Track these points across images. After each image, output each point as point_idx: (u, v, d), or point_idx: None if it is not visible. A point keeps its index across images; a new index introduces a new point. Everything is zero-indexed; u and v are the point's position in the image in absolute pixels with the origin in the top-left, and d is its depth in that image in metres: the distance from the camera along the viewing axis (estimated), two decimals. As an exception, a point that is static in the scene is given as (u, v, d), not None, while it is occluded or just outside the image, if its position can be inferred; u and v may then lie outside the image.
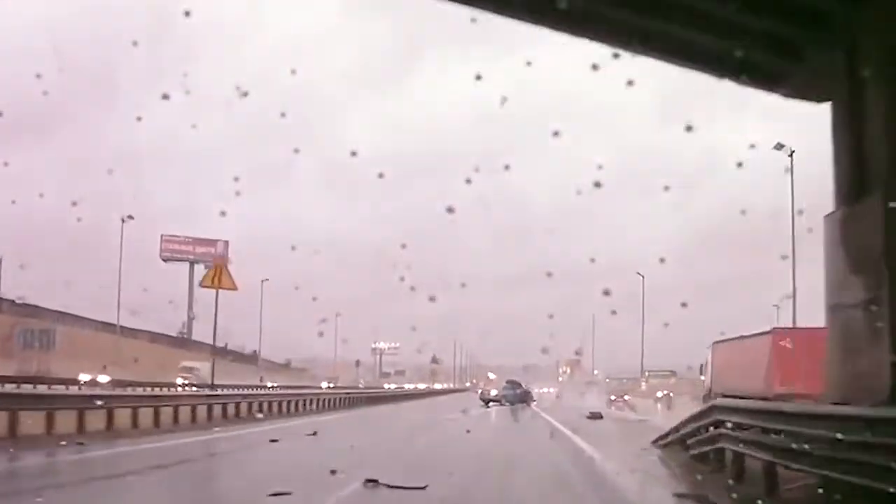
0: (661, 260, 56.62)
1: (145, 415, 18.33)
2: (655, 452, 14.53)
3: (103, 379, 32.03)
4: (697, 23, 9.07)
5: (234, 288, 25.67)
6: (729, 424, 10.01)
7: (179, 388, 35.16)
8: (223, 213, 57.16)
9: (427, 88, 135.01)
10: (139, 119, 71.36)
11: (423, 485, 8.66)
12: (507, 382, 51.81)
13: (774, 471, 8.19)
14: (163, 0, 54.28)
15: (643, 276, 56.49)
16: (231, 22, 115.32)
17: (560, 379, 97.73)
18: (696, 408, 26.68)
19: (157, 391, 27.44)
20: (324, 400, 36.41)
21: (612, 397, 55.17)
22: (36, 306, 48.90)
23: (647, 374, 72.43)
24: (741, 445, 9.33)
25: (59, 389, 23.94)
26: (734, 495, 8.82)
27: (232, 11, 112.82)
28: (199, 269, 62.72)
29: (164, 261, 77.18)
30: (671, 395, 54.59)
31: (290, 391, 38.72)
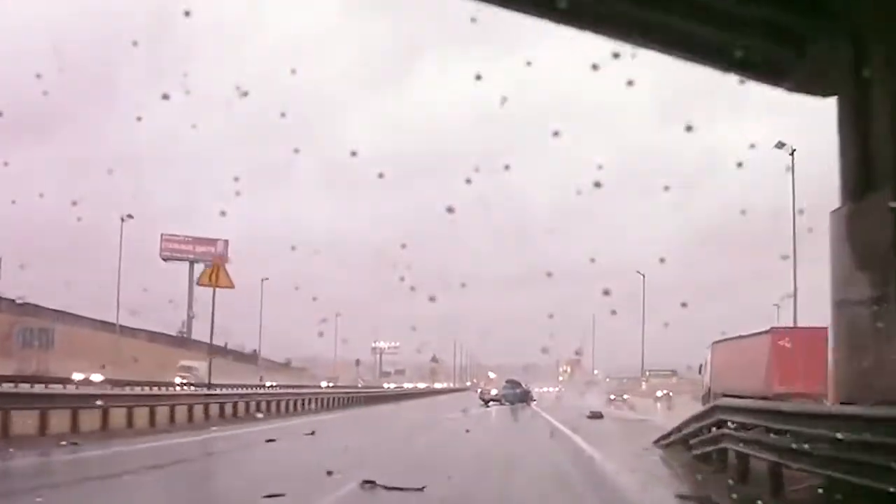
0: (661, 260, 56.54)
1: (141, 415, 18.17)
2: (657, 452, 14.43)
3: (97, 378, 31.88)
4: (698, 14, 8.89)
5: (231, 286, 25.58)
6: (732, 424, 9.86)
7: (178, 388, 35.04)
8: (223, 213, 57.24)
9: (427, 88, 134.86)
10: (139, 119, 71.36)
11: (420, 486, 8.49)
12: (507, 382, 51.62)
13: (779, 471, 8.04)
14: (163, 0, 54.17)
15: (643, 276, 56.42)
16: (231, 22, 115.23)
17: (560, 378, 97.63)
18: (697, 407, 26.76)
19: (152, 390, 27.36)
20: (323, 399, 36.28)
21: (612, 396, 55.09)
22: (35, 305, 48.85)
23: (647, 373, 72.42)
24: (745, 446, 9.18)
25: (53, 388, 23.78)
26: (738, 496, 8.67)
27: (232, 11, 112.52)
28: (199, 269, 62.07)
29: (164, 260, 77.15)
30: (671, 394, 54.57)
31: (288, 391, 38.61)
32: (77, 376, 32.18)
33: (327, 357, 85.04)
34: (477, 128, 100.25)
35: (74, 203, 36.56)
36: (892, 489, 5.47)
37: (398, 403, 45.97)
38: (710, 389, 30.55)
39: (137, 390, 25.61)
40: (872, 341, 7.91)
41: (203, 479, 10.62)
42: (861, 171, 8.52)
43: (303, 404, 31.80)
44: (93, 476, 9.84)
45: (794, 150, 35.08)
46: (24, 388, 22.99)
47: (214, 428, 19.23)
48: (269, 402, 27.85)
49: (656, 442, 15.37)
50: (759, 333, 27.16)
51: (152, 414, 18.64)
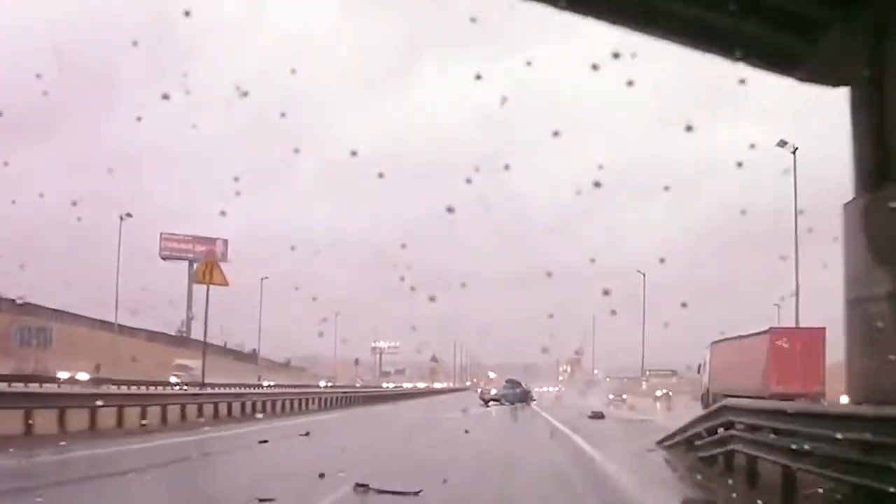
0: (661, 260, 56.44)
1: (131, 414, 17.82)
2: (661, 454, 14.12)
3: (83, 376, 31.60)
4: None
5: (226, 284, 25.36)
6: (741, 426, 9.50)
7: (176, 388, 34.74)
8: (223, 213, 57.06)
9: (427, 88, 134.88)
10: (139, 119, 71.08)
11: (416, 490, 8.13)
12: (507, 382, 51.37)
13: (793, 476, 7.67)
14: (163, 0, 54.03)
15: (644, 275, 56.17)
16: (231, 22, 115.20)
17: (560, 378, 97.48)
18: (696, 407, 26.63)
19: (149, 389, 27.02)
20: (322, 399, 35.97)
21: (611, 396, 54.91)
22: (34, 304, 48.70)
23: (647, 373, 72.28)
24: (755, 448, 8.83)
25: (31, 388, 23.40)
26: (747, 502, 8.32)
27: (232, 11, 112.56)
28: (199, 269, 62.31)
29: (164, 259, 77.12)
30: (670, 394, 54.41)
31: (285, 390, 38.32)
32: (62, 375, 31.85)
33: (327, 357, 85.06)
34: (477, 128, 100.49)
35: (74, 203, 36.51)
36: None
37: (397, 403, 45.69)
38: (708, 389, 30.58)
39: (135, 389, 25.38)
40: (890, 339, 7.57)
41: (188, 483, 10.19)
42: (877, 161, 8.22)
43: (300, 404, 31.45)
44: (62, 481, 9.30)
45: (797, 148, 34.91)
46: (6, 387, 22.55)
47: (207, 428, 18.84)
48: (265, 402, 27.51)
49: (660, 443, 15.08)
50: (758, 334, 27.29)
51: (143, 414, 18.28)
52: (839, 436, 6.48)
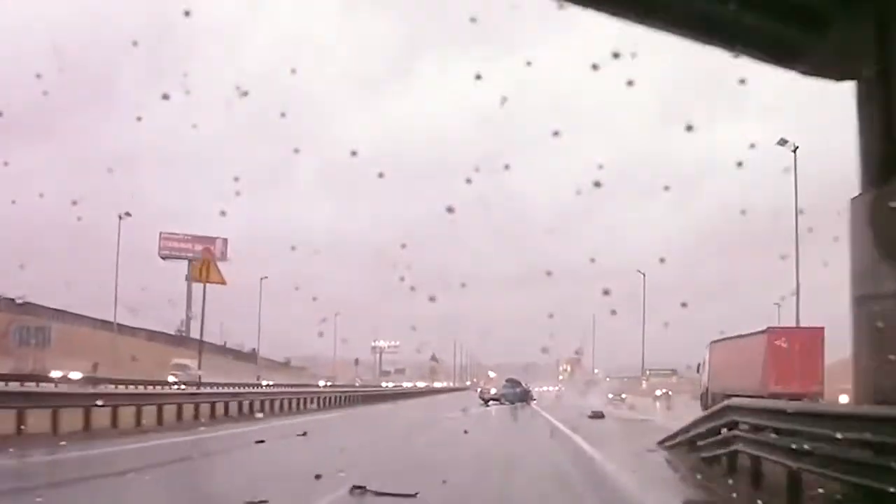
0: (661, 260, 56.11)
1: (126, 414, 17.65)
2: (662, 454, 13.97)
3: (75, 375, 31.48)
4: None
5: (223, 282, 25.27)
6: (745, 426, 9.32)
7: (174, 387, 34.56)
8: (223, 213, 57.24)
9: (427, 88, 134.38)
10: (139, 119, 71.28)
11: (414, 492, 7.96)
12: (507, 381, 51.20)
13: (799, 477, 7.50)
14: (163, 0, 53.85)
15: (644, 275, 56.01)
16: (231, 22, 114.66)
17: (560, 378, 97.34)
18: (696, 406, 26.54)
19: (146, 389, 26.83)
20: (321, 399, 35.80)
21: (610, 396, 54.80)
22: (34, 304, 48.66)
23: (648, 372, 72.11)
24: (760, 449, 8.65)
25: (27, 387, 23.23)
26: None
27: (232, 11, 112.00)
28: (199, 268, 62.24)
29: (163, 258, 76.89)
30: (670, 393, 54.32)
31: (284, 390, 38.14)
32: (55, 374, 31.72)
33: (327, 356, 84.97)
34: (477, 128, 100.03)
35: (74, 203, 36.90)
36: None
37: (397, 403, 45.57)
38: (707, 389, 30.56)
39: (131, 388, 25.16)
40: (892, 338, 7.39)
41: (181, 484, 9.97)
42: (884, 155, 8.02)
43: (299, 404, 31.28)
44: (45, 483, 9.03)
45: (797, 147, 34.75)
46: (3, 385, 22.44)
47: (203, 428, 18.71)
48: (263, 402, 27.37)
49: (661, 443, 14.92)
50: (756, 333, 27.34)
51: (138, 414, 18.10)
52: (852, 437, 6.31)
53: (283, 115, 36.58)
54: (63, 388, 21.93)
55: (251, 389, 33.37)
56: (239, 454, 13.86)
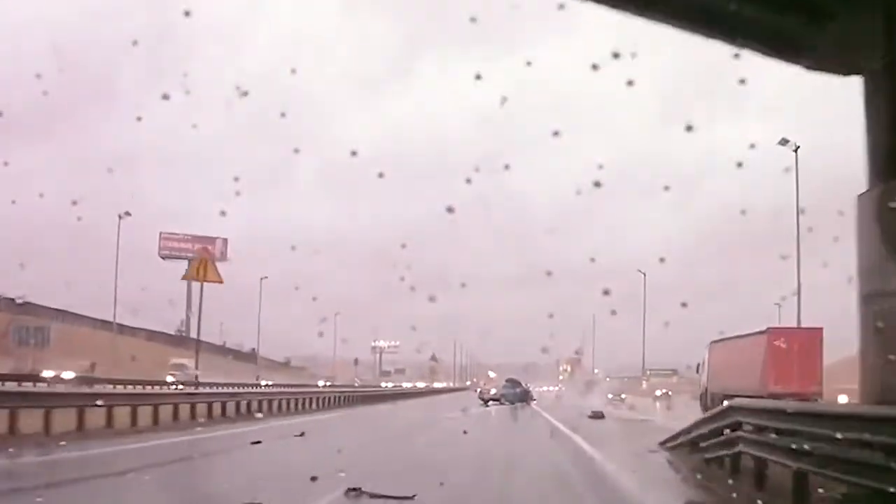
0: (661, 260, 56.00)
1: (122, 414, 17.47)
2: (663, 455, 13.84)
3: (68, 375, 31.35)
4: None
5: (220, 281, 25.12)
6: (749, 427, 9.17)
7: (172, 387, 34.42)
8: (223, 213, 57.17)
9: (427, 88, 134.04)
10: (139, 119, 71.11)
11: (412, 494, 7.81)
12: (507, 381, 51.09)
13: (805, 479, 7.34)
14: (163, 0, 53.82)
15: (644, 275, 55.87)
16: (231, 22, 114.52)
17: (560, 378, 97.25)
18: (696, 406, 26.41)
19: (145, 389, 26.66)
20: (320, 399, 35.64)
21: (610, 396, 54.74)
22: (34, 304, 48.61)
23: (648, 372, 72.02)
24: (764, 450, 8.49)
25: (25, 387, 23.08)
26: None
27: (232, 11, 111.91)
28: (198, 268, 62.14)
29: (163, 258, 76.72)
30: (670, 393, 54.26)
31: (283, 390, 37.98)
32: (47, 374, 31.58)
33: (327, 356, 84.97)
34: (477, 128, 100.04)
35: (74, 203, 36.72)
36: None
37: (396, 403, 45.44)
38: (707, 389, 30.50)
39: (129, 388, 24.99)
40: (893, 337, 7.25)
41: (174, 486, 9.77)
42: (891, 150, 7.86)
43: (297, 404, 31.11)
44: (33, 486, 8.82)
45: (798, 146, 34.63)
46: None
47: (199, 428, 18.55)
48: (261, 402, 27.20)
49: (662, 443, 14.78)
50: (756, 333, 27.36)
51: (134, 414, 17.92)
52: (855, 437, 6.16)
53: (283, 115, 36.46)
54: (59, 388, 21.67)
55: (250, 389, 33.18)
56: (234, 455, 13.69)
